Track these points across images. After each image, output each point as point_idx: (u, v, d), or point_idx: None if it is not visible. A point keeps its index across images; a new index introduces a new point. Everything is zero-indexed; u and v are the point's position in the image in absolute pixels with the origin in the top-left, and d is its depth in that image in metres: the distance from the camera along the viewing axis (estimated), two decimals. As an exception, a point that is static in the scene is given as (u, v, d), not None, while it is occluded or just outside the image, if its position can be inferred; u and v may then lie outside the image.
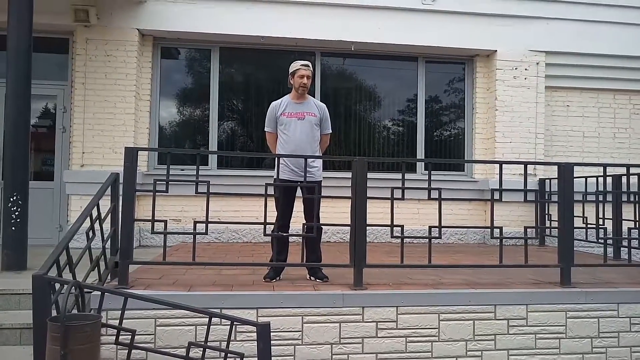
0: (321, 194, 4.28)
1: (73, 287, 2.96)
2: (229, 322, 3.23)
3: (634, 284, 4.48)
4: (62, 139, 6.99)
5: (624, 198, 5.75)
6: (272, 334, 3.25)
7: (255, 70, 7.75)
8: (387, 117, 7.96)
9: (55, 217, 6.94)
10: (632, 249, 4.83)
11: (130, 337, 3.08)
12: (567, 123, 7.92)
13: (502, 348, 3.99)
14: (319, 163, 4.45)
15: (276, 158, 4.36)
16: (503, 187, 4.29)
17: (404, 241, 4.14)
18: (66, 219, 6.81)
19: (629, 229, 4.83)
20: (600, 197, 5.03)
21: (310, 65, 4.45)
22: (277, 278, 4.27)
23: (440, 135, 8.06)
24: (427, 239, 4.20)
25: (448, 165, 7.85)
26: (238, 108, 7.80)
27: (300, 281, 4.23)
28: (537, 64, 7.62)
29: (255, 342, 3.19)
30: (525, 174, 4.42)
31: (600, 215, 5.07)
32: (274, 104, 4.52)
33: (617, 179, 5.77)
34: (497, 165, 7.05)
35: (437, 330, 3.92)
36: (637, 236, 4.77)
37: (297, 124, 4.36)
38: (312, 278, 4.31)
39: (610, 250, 5.54)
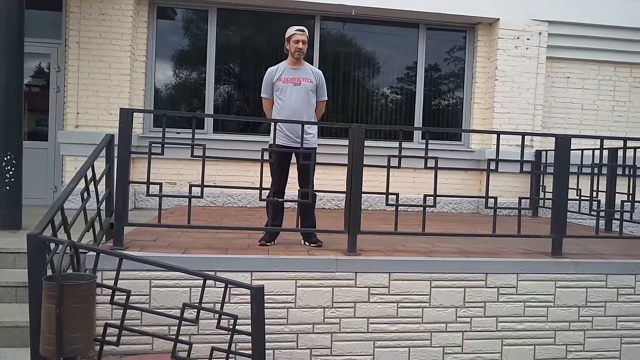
0: (316, 160, 4.27)
1: (68, 247, 2.97)
2: (223, 285, 3.27)
3: (624, 255, 4.55)
4: (56, 98, 6.90)
5: (619, 171, 5.77)
6: (265, 297, 3.29)
7: (253, 33, 7.61)
8: (386, 85, 7.88)
9: (50, 178, 6.92)
10: (623, 222, 4.87)
11: (125, 297, 3.12)
12: (567, 95, 7.87)
13: (491, 315, 4.06)
14: (314, 130, 4.43)
15: (272, 123, 4.33)
16: (500, 158, 4.28)
17: (399, 209, 4.16)
18: (61, 179, 6.80)
19: (622, 202, 4.86)
20: (596, 170, 5.04)
21: (306, 31, 4.39)
22: (272, 242, 4.31)
23: (438, 104, 8.00)
24: (422, 207, 4.22)
25: (445, 134, 7.82)
26: (235, 71, 7.69)
27: (294, 246, 4.27)
28: (540, 33, 7.51)
29: (249, 304, 3.24)
30: (523, 145, 4.41)
31: (595, 188, 5.09)
32: (270, 69, 4.47)
33: (613, 152, 5.77)
34: (494, 136, 7.10)
35: (428, 296, 3.98)
36: (629, 209, 4.81)
37: (293, 89, 4.32)
38: (307, 243, 4.35)
39: (602, 222, 5.59)
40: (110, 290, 3.16)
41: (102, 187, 4.10)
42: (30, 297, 2.94)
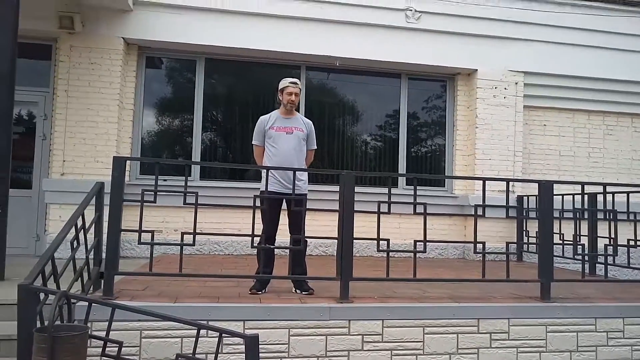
0: (306, 206, 4.30)
1: (60, 298, 2.91)
2: (215, 334, 3.21)
3: (611, 299, 4.62)
4: (42, 146, 6.87)
5: (600, 216, 5.93)
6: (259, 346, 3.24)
7: (240, 82, 7.77)
8: (370, 132, 8.06)
9: (32, 227, 6.79)
10: (608, 265, 4.97)
11: (117, 348, 3.04)
12: (544, 142, 8.15)
13: (485, 362, 4.05)
14: (305, 177, 4.51)
15: (263, 170, 4.38)
16: (486, 204, 4.38)
17: (389, 254, 4.19)
18: (44, 228, 6.67)
19: (605, 246, 4.97)
20: (578, 214, 5.18)
21: (299, 83, 4.53)
22: (264, 290, 4.27)
23: (420, 151, 8.19)
24: (411, 253, 4.25)
25: (429, 180, 7.97)
26: (221, 120, 7.80)
27: (286, 294, 4.23)
28: (516, 83, 7.85)
29: (242, 354, 3.18)
30: (508, 191, 4.53)
31: (577, 232, 5.22)
32: (262, 118, 4.57)
33: (592, 196, 5.95)
34: (477, 182, 7.25)
35: (421, 343, 3.96)
36: (611, 253, 4.92)
37: (286, 138, 4.42)
38: (298, 291, 4.32)
39: (586, 266, 5.68)
40: (101, 342, 3.08)
41: (89, 235, 4.05)
42: (19, 350, 2.85)
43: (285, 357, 3.73)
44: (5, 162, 5.00)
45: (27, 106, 6.96)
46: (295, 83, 4.47)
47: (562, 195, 6.02)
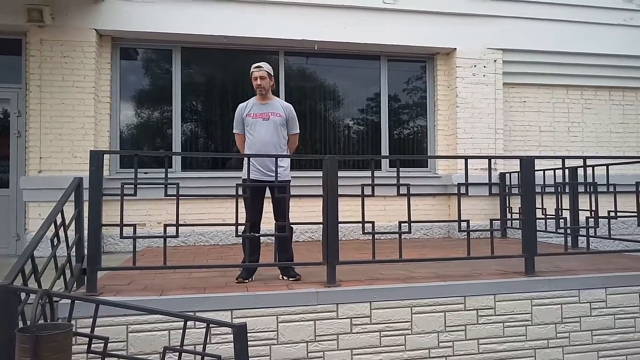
0: (290, 193, 4.28)
1: (42, 296, 2.85)
2: (203, 325, 3.20)
3: (593, 270, 4.69)
4: (17, 144, 6.71)
5: (580, 189, 6.01)
6: (247, 334, 3.23)
7: (218, 71, 7.66)
8: (351, 116, 8.03)
9: (12, 226, 6.66)
10: (590, 238, 5.04)
11: (102, 345, 3.00)
12: (524, 118, 8.20)
13: (473, 337, 4.10)
14: (286, 163, 4.46)
15: (245, 159, 4.33)
16: (469, 182, 4.39)
17: (375, 237, 4.20)
18: (24, 227, 6.55)
19: (587, 218, 5.04)
20: (559, 189, 5.23)
21: (265, 66, 4.46)
22: (250, 279, 4.25)
23: (402, 132, 8.19)
24: (397, 234, 4.26)
25: (411, 161, 7.99)
26: (200, 109, 7.70)
27: (272, 281, 4.23)
28: (495, 61, 7.86)
29: (231, 343, 3.17)
30: (490, 169, 4.55)
31: (560, 206, 5.28)
32: (240, 105, 4.52)
33: (573, 170, 6.01)
34: (459, 161, 7.29)
35: (409, 323, 3.99)
36: (593, 225, 4.99)
37: (262, 124, 4.37)
38: (285, 277, 4.31)
39: (569, 239, 5.77)
40: (86, 339, 3.04)
41: (71, 231, 3.98)
42: (1, 352, 2.79)
43: (274, 344, 3.73)
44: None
45: (-1, 103, 6.79)
46: (259, 67, 4.41)
47: (544, 170, 6.08)
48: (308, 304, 3.82)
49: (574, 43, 8.06)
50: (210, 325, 3.20)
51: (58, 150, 6.51)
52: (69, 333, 2.75)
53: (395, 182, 4.26)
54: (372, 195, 4.18)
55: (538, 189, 5.15)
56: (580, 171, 5.19)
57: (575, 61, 8.16)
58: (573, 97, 8.37)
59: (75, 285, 3.94)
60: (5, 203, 6.66)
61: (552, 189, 5.68)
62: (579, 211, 6.12)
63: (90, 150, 3.82)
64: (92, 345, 3.02)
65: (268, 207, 4.39)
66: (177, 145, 7.27)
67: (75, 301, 3.06)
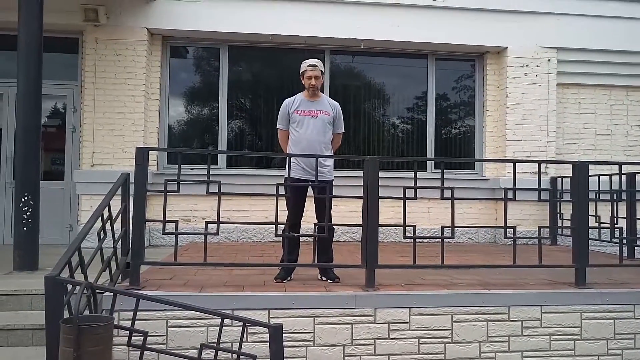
0: (332, 193, 4.24)
1: (85, 289, 2.95)
2: (240, 323, 3.21)
3: (650, 284, 4.42)
4: (72, 138, 7.01)
5: (638, 197, 5.68)
6: (283, 335, 3.22)
7: (264, 69, 7.72)
8: (397, 115, 7.91)
9: (66, 217, 6.96)
10: (647, 249, 4.76)
11: (142, 338, 3.07)
12: (579, 120, 7.83)
13: (516, 350, 3.94)
14: (330, 162, 4.42)
15: (287, 157, 4.32)
16: (516, 186, 4.22)
17: (416, 241, 4.10)
18: (76, 218, 6.84)
19: (645, 229, 4.76)
20: (615, 196, 4.96)
21: (319, 64, 4.39)
22: (288, 278, 4.25)
23: (450, 133, 8.00)
24: (439, 239, 4.15)
25: (458, 163, 7.79)
26: (247, 107, 7.79)
27: (311, 282, 4.21)
28: (549, 60, 7.54)
29: (267, 343, 3.17)
30: (539, 173, 4.36)
31: (615, 215, 4.99)
32: (286, 101, 4.47)
33: (631, 177, 5.69)
34: (508, 164, 7.03)
35: (450, 331, 3.88)
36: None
37: (310, 121, 4.31)
38: (323, 278, 4.28)
39: (624, 249, 5.46)
40: (127, 331, 3.12)
41: (117, 224, 4.10)
42: (48, 341, 2.91)
43: (310, 346, 3.72)
44: (35, 152, 5.11)
45: (56, 99, 7.10)
46: (313, 66, 4.33)
47: (599, 175, 5.78)
48: (346, 306, 3.78)
49: (633, 42, 7.61)
50: (247, 324, 3.22)
51: (110, 145, 6.75)
52: (110, 326, 2.84)
53: (440, 185, 4.14)
54: (415, 198, 4.08)
55: (592, 196, 4.91)
56: (639, 177, 4.90)
57: (636, 60, 7.71)
58: (633, 99, 7.92)
59: (120, 278, 4.06)
60: (60, 195, 6.97)
61: (607, 196, 5.39)
62: (637, 220, 5.77)
63: (136, 148, 3.92)
64: (132, 339, 3.09)
65: (310, 205, 4.36)
66: (223, 142, 7.37)
67: (117, 294, 3.14)
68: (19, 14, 5.10)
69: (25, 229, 4.99)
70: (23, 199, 5.00)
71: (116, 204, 4.04)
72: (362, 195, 4.04)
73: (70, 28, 6.83)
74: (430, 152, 7.72)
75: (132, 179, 4.03)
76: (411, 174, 4.23)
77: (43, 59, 5.21)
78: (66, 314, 3.00)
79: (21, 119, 5.09)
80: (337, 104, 4.51)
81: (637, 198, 5.82)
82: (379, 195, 3.98)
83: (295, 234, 4.25)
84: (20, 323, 3.81)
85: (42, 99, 5.22)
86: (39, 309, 3.83)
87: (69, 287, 3.12)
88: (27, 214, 4.99)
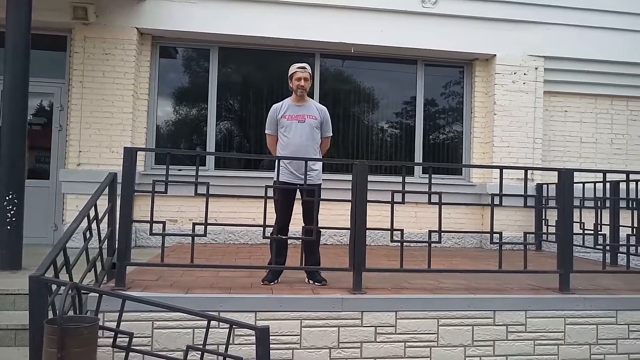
0: (320, 197, 4.25)
1: (70, 289, 2.92)
2: (227, 325, 3.20)
3: (633, 290, 4.48)
4: (59, 137, 6.93)
5: (622, 204, 5.76)
6: (270, 337, 3.22)
7: (254, 71, 7.72)
8: (385, 120, 7.95)
9: (50, 216, 6.87)
10: (630, 256, 4.83)
11: (127, 339, 3.04)
12: (565, 128, 7.94)
13: (501, 354, 3.97)
14: (318, 166, 4.43)
15: (276, 160, 4.32)
16: (503, 192, 4.27)
17: (403, 245, 4.12)
18: (61, 218, 6.76)
19: (628, 236, 4.83)
20: (599, 203, 5.03)
21: (308, 67, 4.41)
22: (276, 281, 4.24)
23: (438, 138, 8.06)
24: (426, 243, 4.17)
25: (445, 168, 7.85)
26: (236, 108, 7.77)
27: (298, 284, 4.21)
28: (536, 68, 7.64)
29: (253, 345, 3.17)
30: (526, 179, 4.43)
31: (598, 221, 5.07)
32: (274, 106, 4.49)
33: (615, 185, 5.78)
34: (495, 170, 7.10)
35: (435, 335, 3.90)
36: (634, 242, 4.77)
37: (298, 126, 4.33)
38: (311, 281, 4.28)
39: (607, 256, 5.54)
40: (112, 332, 3.09)
41: (104, 224, 4.06)
42: (31, 341, 2.87)
43: (297, 349, 3.71)
44: (20, 151, 5.05)
45: (43, 97, 7.01)
46: (303, 68, 4.35)
47: (583, 183, 5.87)
48: (333, 309, 3.78)
49: (619, 52, 7.75)
50: (234, 326, 3.21)
51: (96, 145, 6.69)
52: (94, 327, 2.81)
53: (427, 190, 4.17)
54: (403, 202, 4.10)
55: (577, 202, 4.98)
56: (623, 185, 4.98)
57: (622, 70, 7.85)
58: (618, 108, 8.05)
59: (105, 279, 4.02)
60: (45, 194, 6.88)
61: (592, 203, 5.46)
62: (620, 227, 5.86)
63: (124, 147, 3.89)
64: (117, 340, 3.07)
65: (298, 208, 4.37)
66: (211, 143, 7.35)
67: (103, 295, 3.11)
68: (7, 11, 5.05)
69: (9, 227, 4.92)
70: (7, 198, 4.93)
71: (102, 203, 4.00)
72: (350, 198, 4.06)
73: (58, 26, 6.77)
74: (418, 157, 7.77)
75: (119, 179, 4.00)
76: (399, 178, 4.25)
77: (30, 56, 5.15)
78: (50, 315, 2.96)
79: (7, 117, 5.03)
80: (324, 108, 4.54)
81: (620, 206, 5.92)
82: (367, 199, 3.99)
83: (284, 237, 4.24)
84: (3, 323, 3.76)
85: (28, 96, 5.16)
86: (22, 309, 3.78)
87: (54, 287, 3.08)
88: (12, 212, 4.93)
